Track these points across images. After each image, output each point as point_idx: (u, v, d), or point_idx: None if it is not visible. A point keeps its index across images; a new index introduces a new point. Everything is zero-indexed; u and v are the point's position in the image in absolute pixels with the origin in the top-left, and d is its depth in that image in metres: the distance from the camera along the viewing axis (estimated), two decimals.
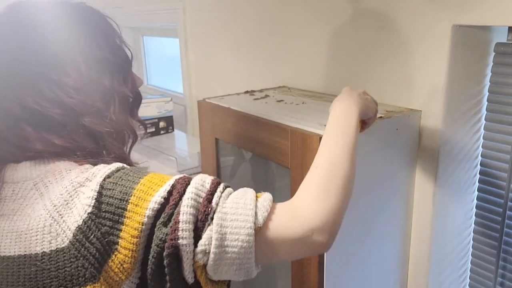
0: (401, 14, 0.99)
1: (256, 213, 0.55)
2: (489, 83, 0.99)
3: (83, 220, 0.53)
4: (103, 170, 0.58)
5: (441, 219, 1.04)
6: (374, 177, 0.96)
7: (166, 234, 0.52)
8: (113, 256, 0.53)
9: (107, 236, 0.54)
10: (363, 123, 0.81)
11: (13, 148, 0.60)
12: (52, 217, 0.55)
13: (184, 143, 1.91)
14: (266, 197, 0.58)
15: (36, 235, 0.54)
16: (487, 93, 1.00)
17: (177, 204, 0.54)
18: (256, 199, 0.57)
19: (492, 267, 1.07)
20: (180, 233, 0.52)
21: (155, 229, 0.53)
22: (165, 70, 2.46)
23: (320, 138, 0.83)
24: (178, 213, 0.53)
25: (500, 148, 1.00)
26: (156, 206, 0.54)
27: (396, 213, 1.03)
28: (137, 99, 0.72)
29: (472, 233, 1.12)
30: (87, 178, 0.57)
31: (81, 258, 0.53)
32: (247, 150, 1.10)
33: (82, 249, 0.53)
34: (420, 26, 0.96)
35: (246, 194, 0.58)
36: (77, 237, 0.53)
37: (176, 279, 0.54)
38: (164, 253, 0.52)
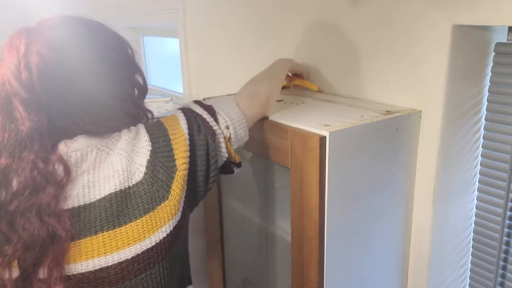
0: (401, 14, 0.99)
1: (231, 98, 0.91)
2: (489, 83, 0.99)
3: (149, 155, 0.75)
4: (139, 127, 0.80)
5: (441, 219, 1.04)
6: (374, 177, 0.96)
7: (205, 133, 0.81)
8: (176, 176, 0.75)
9: (167, 163, 0.76)
10: (294, 80, 1.27)
11: (68, 130, 0.75)
12: (128, 160, 0.75)
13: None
14: (227, 95, 0.95)
15: (123, 175, 0.73)
16: (487, 93, 1.00)
17: (195, 117, 0.82)
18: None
19: (492, 267, 1.07)
20: (211, 124, 0.82)
21: (195, 137, 0.80)
22: (165, 70, 2.46)
23: (320, 138, 0.84)
24: (201, 118, 0.83)
25: (500, 148, 1.00)
26: (186, 125, 0.80)
27: (396, 213, 1.03)
28: (146, 91, 0.90)
29: (472, 233, 1.12)
30: (135, 134, 0.78)
31: (155, 184, 0.74)
32: (247, 150, 1.10)
33: (154, 176, 0.74)
34: (420, 26, 0.96)
35: (215, 97, 0.94)
36: (149, 169, 0.74)
37: (218, 161, 0.83)
38: (209, 143, 0.81)
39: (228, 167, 0.88)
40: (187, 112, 0.83)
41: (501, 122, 0.98)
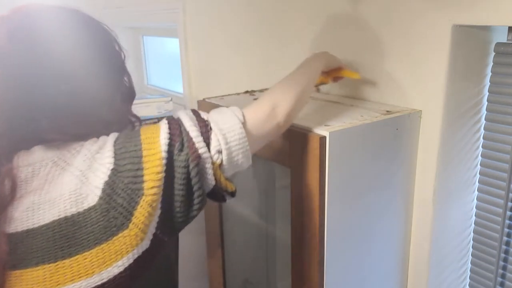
0: (401, 14, 0.99)
1: (236, 114, 0.73)
2: (489, 83, 0.99)
3: (108, 176, 0.62)
4: (109, 137, 0.68)
5: (441, 219, 1.04)
6: (374, 177, 0.96)
7: (187, 154, 0.65)
8: (141, 201, 0.62)
9: (131, 185, 0.63)
10: (332, 74, 1.07)
11: (26, 139, 0.66)
12: (81, 181, 0.63)
13: None
14: (234, 107, 0.75)
15: (70, 198, 0.62)
16: (487, 93, 1.00)
17: (181, 132, 0.67)
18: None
19: (492, 267, 1.07)
20: (197, 145, 0.66)
21: (175, 157, 0.65)
22: (165, 70, 2.46)
23: (320, 138, 0.84)
24: (187, 135, 0.67)
25: (500, 148, 1.00)
26: (167, 141, 0.65)
27: (396, 213, 1.03)
28: (133, 95, 0.81)
29: (472, 233, 1.12)
30: (99, 146, 0.66)
31: (111, 210, 0.62)
32: None
33: (111, 201, 0.62)
34: (420, 26, 0.96)
35: (220, 108, 0.75)
36: (105, 192, 0.62)
37: (202, 187, 0.67)
38: (190, 167, 0.65)
39: (217, 194, 0.72)
40: (173, 124, 0.68)
41: (501, 122, 0.98)
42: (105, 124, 0.71)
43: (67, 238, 0.61)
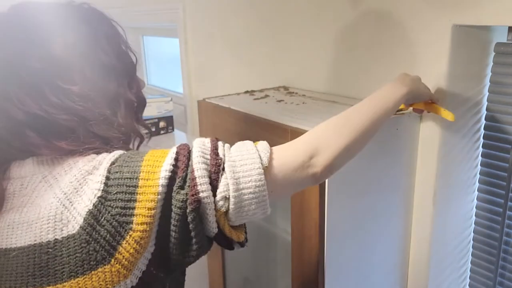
0: (401, 14, 0.99)
1: (260, 155, 0.60)
2: (489, 83, 0.99)
3: (93, 204, 0.55)
4: (107, 157, 0.59)
5: (441, 219, 1.04)
6: (374, 177, 0.96)
7: (186, 194, 0.55)
8: (128, 236, 0.54)
9: (119, 217, 0.55)
10: (420, 107, 0.93)
11: (17, 152, 0.61)
12: (63, 205, 0.56)
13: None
14: (263, 143, 0.64)
15: (48, 223, 0.55)
16: (487, 93, 1.00)
17: (187, 166, 0.57)
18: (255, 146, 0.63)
19: (492, 267, 1.07)
20: (199, 187, 0.55)
21: (173, 194, 0.56)
22: (165, 70, 2.46)
23: None
24: (192, 172, 0.56)
25: (500, 148, 1.00)
26: (168, 173, 0.56)
27: (396, 213, 1.03)
28: (142, 104, 0.72)
29: (472, 233, 1.11)
30: (94, 167, 0.58)
31: (92, 242, 0.54)
32: None
33: (93, 232, 0.54)
34: (420, 26, 0.96)
35: (245, 143, 0.63)
36: (88, 222, 0.54)
37: (201, 233, 0.57)
38: (188, 210, 0.55)
39: (223, 240, 0.61)
40: (182, 155, 0.58)
41: (501, 122, 0.98)
42: (104, 140, 0.63)
43: (40, 266, 0.55)
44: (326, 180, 0.85)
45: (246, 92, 1.30)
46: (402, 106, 0.91)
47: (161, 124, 1.87)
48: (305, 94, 1.23)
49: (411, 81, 0.84)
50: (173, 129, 1.91)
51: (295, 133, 0.89)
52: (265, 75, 1.44)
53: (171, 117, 1.90)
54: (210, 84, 1.79)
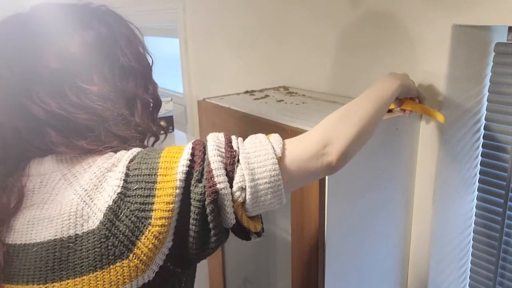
0: (401, 14, 0.99)
1: (273, 147, 0.62)
2: (489, 83, 0.99)
3: (113, 200, 0.57)
4: (126, 155, 0.61)
5: (441, 218, 1.04)
6: (374, 177, 0.96)
7: (204, 186, 0.57)
8: (146, 231, 0.56)
9: (138, 212, 0.56)
10: (407, 105, 0.93)
11: (36, 150, 0.63)
12: (84, 201, 0.58)
13: (184, 143, 1.90)
14: (275, 135, 0.66)
15: (69, 219, 0.57)
16: (487, 93, 1.00)
17: (203, 160, 0.59)
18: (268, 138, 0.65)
19: (492, 267, 1.07)
20: (216, 179, 0.57)
21: (191, 188, 0.58)
22: (165, 70, 2.46)
23: None
24: (209, 165, 0.58)
25: (500, 148, 1.00)
26: (185, 168, 0.58)
27: (396, 213, 1.03)
28: (157, 104, 0.74)
29: (472, 233, 1.12)
30: (113, 164, 0.60)
31: (111, 237, 0.56)
32: None
33: (113, 228, 0.56)
34: (420, 26, 0.96)
35: (258, 136, 0.66)
36: (108, 217, 0.56)
37: (219, 225, 0.59)
38: (206, 202, 0.57)
39: (240, 232, 0.63)
40: (198, 150, 0.61)
41: (501, 122, 0.98)
42: (122, 139, 0.65)
43: (60, 260, 0.57)
44: (326, 180, 0.85)
45: (246, 92, 1.30)
46: (392, 106, 0.93)
47: (161, 124, 1.86)
48: (305, 94, 1.23)
49: (401, 75, 0.89)
50: (173, 129, 1.91)
51: (295, 133, 0.89)
52: (265, 75, 1.44)
53: (171, 117, 1.90)
54: (210, 84, 1.79)
